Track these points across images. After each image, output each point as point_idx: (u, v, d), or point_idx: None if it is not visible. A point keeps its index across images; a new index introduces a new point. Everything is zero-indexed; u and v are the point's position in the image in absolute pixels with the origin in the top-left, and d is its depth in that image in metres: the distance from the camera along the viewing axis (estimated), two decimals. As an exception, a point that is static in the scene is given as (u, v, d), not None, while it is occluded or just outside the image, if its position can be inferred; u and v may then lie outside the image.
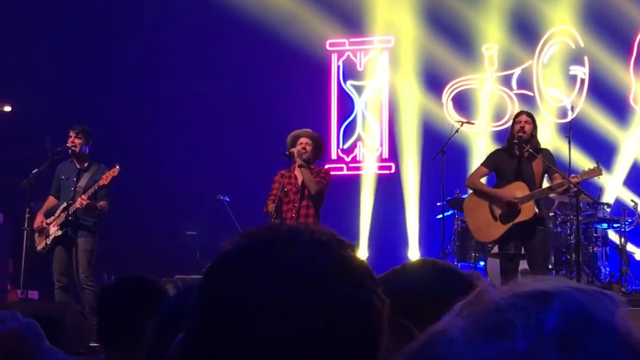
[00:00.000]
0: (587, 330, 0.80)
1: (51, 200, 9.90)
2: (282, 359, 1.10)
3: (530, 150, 8.70)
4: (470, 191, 9.41)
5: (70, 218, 9.49)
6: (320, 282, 1.13)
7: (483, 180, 9.22)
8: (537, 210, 8.66)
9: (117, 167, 9.43)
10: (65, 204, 9.52)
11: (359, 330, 1.14)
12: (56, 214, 9.61)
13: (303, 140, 9.06)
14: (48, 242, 9.63)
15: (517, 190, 8.65)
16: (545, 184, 8.85)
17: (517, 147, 8.74)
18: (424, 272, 2.08)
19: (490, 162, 9.02)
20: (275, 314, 1.10)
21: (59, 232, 9.54)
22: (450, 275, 2.04)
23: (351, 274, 1.16)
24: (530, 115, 8.99)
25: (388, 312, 1.20)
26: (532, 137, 8.80)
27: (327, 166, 10.52)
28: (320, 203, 9.09)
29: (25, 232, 9.85)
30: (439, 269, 2.05)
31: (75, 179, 9.64)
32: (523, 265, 9.10)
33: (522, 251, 8.80)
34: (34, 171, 9.88)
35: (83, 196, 9.36)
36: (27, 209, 9.82)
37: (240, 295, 1.12)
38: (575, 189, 8.75)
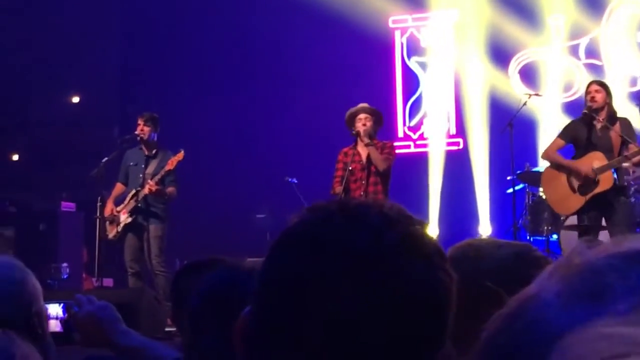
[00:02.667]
0: None
1: (119, 187, 10.01)
2: (346, 332, 1.09)
3: (601, 120, 8.54)
4: (544, 163, 9.30)
5: (139, 205, 9.58)
6: (386, 257, 1.12)
7: (559, 152, 9.09)
8: (616, 180, 8.50)
9: (182, 151, 9.51)
10: (134, 191, 9.62)
11: (425, 307, 1.13)
12: (125, 201, 9.72)
13: (362, 116, 8.99)
14: (119, 230, 9.73)
15: (595, 160, 8.50)
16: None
17: (590, 117, 8.60)
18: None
19: (567, 133, 8.87)
20: (340, 288, 1.09)
21: (129, 219, 9.64)
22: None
23: (418, 250, 1.15)
24: (602, 84, 8.82)
25: (457, 288, 1.18)
26: (607, 106, 8.64)
27: (394, 143, 10.37)
28: (388, 179, 9.02)
29: (98, 220, 9.98)
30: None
31: (143, 166, 9.73)
32: (603, 236, 8.95)
33: (603, 222, 8.64)
34: (103, 160, 10.00)
35: (151, 182, 9.44)
36: (99, 198, 9.95)
37: (305, 268, 1.12)
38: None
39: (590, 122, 8.63)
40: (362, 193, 8.80)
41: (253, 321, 1.17)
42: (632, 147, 8.47)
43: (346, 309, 1.09)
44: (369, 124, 8.94)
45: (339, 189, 8.90)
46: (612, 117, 8.63)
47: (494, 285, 1.39)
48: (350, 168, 8.90)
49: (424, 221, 1.20)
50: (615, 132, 8.53)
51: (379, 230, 1.13)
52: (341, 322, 1.09)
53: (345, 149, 9.10)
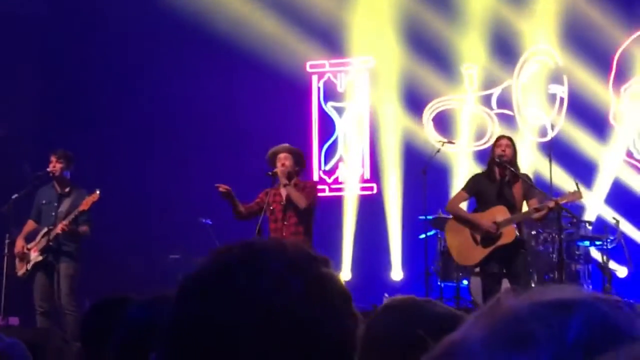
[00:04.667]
0: (611, 340, 0.78)
1: (30, 225, 9.83)
2: None
3: (512, 170, 8.71)
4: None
5: (51, 243, 9.42)
6: (291, 306, 1.10)
7: (464, 204, 9.25)
8: (517, 234, 8.68)
9: (98, 192, 9.37)
10: (46, 229, 9.46)
11: (332, 352, 1.12)
12: (37, 239, 9.55)
13: (282, 155, 9.00)
14: (29, 268, 9.55)
15: (498, 214, 8.66)
16: (525, 208, 8.87)
17: (499, 170, 8.76)
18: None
19: (471, 186, 9.03)
20: (245, 338, 1.08)
21: (40, 258, 9.47)
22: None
23: (323, 296, 1.14)
24: (511, 140, 9.03)
25: (361, 331, 1.18)
26: (513, 161, 8.83)
27: (316, 182, 10.29)
28: (310, 218, 8.99)
29: (5, 257, 9.77)
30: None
31: (56, 204, 9.58)
32: (506, 284, 9.11)
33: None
34: (13, 196, 9.81)
35: (64, 222, 9.30)
36: (7, 235, 9.75)
37: (210, 318, 1.10)
38: (556, 208, 8.75)
39: (494, 176, 8.81)
40: (283, 235, 8.76)
41: None
42: (533, 203, 8.69)
43: (249, 358, 1.07)
44: (287, 163, 8.93)
45: (243, 209, 8.90)
46: (515, 172, 8.84)
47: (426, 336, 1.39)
48: (271, 207, 8.89)
49: (328, 260, 1.19)
50: (517, 187, 8.73)
51: (282, 277, 1.12)
52: None
53: (267, 189, 9.06)
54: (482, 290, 9.03)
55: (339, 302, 1.15)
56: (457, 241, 9.03)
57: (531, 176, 9.39)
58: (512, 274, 8.68)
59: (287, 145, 9.23)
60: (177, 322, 1.14)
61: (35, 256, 9.51)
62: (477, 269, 9.88)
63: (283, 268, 1.12)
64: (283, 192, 8.98)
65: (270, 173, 8.93)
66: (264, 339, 1.07)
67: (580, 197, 8.88)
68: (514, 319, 0.80)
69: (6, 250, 9.75)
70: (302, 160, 9.26)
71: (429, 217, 10.94)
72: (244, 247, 1.17)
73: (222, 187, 8.84)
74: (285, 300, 1.10)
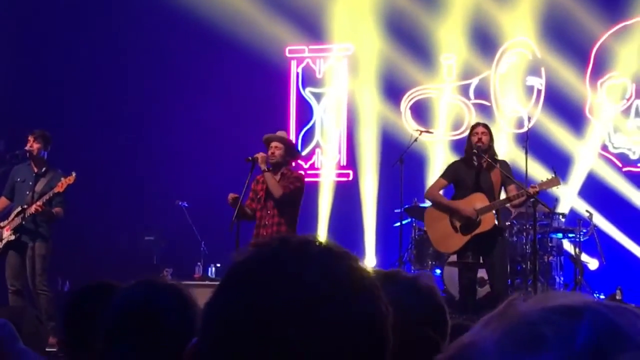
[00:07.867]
0: (618, 345, 0.82)
1: (3, 202, 9.82)
2: None
3: (489, 160, 8.77)
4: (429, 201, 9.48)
5: (24, 223, 9.40)
6: (334, 291, 1.14)
7: (442, 191, 9.29)
8: (496, 221, 8.74)
9: (74, 174, 9.34)
10: (20, 208, 9.43)
11: (371, 340, 1.16)
12: (10, 218, 9.52)
13: (273, 144, 9.00)
14: (0, 246, 9.53)
15: (477, 201, 8.70)
16: (503, 195, 8.91)
17: (476, 158, 8.81)
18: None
19: (450, 173, 9.07)
20: (291, 322, 1.11)
21: (13, 237, 9.44)
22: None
23: (362, 284, 1.18)
24: (487, 127, 9.08)
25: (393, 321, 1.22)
26: (490, 148, 8.88)
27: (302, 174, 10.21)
28: (291, 209, 8.92)
29: (-22, 234, 9.73)
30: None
31: (31, 183, 9.55)
32: (481, 273, 9.18)
33: (481, 260, 8.85)
34: (-11, 173, 9.78)
35: (38, 202, 9.28)
36: (-19, 212, 9.72)
37: (257, 302, 1.13)
38: (533, 199, 8.82)
39: (472, 163, 8.85)
40: (266, 222, 8.78)
41: (202, 352, 1.18)
42: (512, 189, 8.73)
43: (296, 343, 1.10)
44: (277, 152, 8.91)
45: (250, 210, 8.88)
46: (493, 159, 8.89)
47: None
48: (258, 196, 8.90)
49: (358, 256, 1.25)
50: (495, 174, 8.78)
51: (327, 264, 1.16)
52: (290, 356, 1.10)
53: (258, 176, 9.06)
54: (459, 279, 9.09)
55: (376, 291, 1.19)
56: (436, 228, 9.06)
57: (506, 166, 9.44)
58: (489, 262, 8.74)
59: (282, 133, 9.27)
60: (222, 307, 1.17)
61: (7, 235, 9.48)
62: (451, 259, 9.95)
63: (325, 256, 1.17)
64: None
65: (249, 158, 8.89)
66: (307, 323, 1.11)
67: (559, 183, 8.93)
68: (526, 322, 0.84)
69: (-21, 228, 9.71)
70: (294, 152, 9.28)
71: (405, 205, 10.99)
72: (283, 239, 1.21)
73: (232, 196, 8.80)
74: (330, 285, 1.14)
